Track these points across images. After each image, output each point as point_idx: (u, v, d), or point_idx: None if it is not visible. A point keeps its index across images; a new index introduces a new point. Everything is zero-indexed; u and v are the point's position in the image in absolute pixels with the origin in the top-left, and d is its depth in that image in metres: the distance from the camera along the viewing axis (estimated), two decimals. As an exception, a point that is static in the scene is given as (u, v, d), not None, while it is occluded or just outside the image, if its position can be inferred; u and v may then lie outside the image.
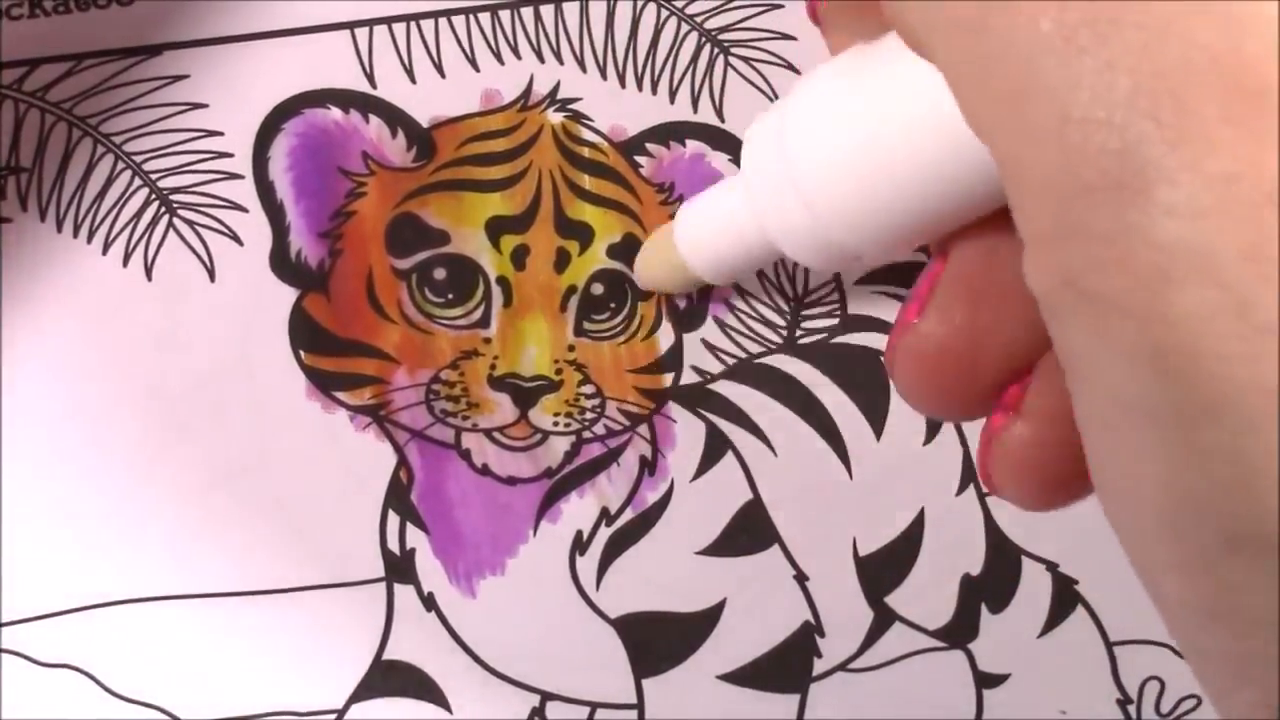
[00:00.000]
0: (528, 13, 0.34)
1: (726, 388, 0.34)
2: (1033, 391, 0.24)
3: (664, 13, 0.35)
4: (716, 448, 0.34)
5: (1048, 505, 0.25)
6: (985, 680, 0.33)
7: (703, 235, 0.30)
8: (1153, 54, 0.17)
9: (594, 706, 0.33)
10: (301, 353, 0.33)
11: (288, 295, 0.33)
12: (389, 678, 0.33)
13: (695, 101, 0.35)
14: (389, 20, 0.34)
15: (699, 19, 0.35)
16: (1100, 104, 0.17)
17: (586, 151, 0.34)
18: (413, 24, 0.34)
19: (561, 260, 0.33)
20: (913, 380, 0.25)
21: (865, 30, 0.25)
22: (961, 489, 0.33)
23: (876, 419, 0.34)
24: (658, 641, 0.33)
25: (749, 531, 0.33)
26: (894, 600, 0.33)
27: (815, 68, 0.26)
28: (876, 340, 0.34)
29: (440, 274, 0.33)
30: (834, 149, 0.25)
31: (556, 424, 0.33)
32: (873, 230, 0.25)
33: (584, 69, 0.34)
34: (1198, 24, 0.16)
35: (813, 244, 0.26)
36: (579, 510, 0.33)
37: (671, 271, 0.32)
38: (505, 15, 0.34)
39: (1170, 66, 0.16)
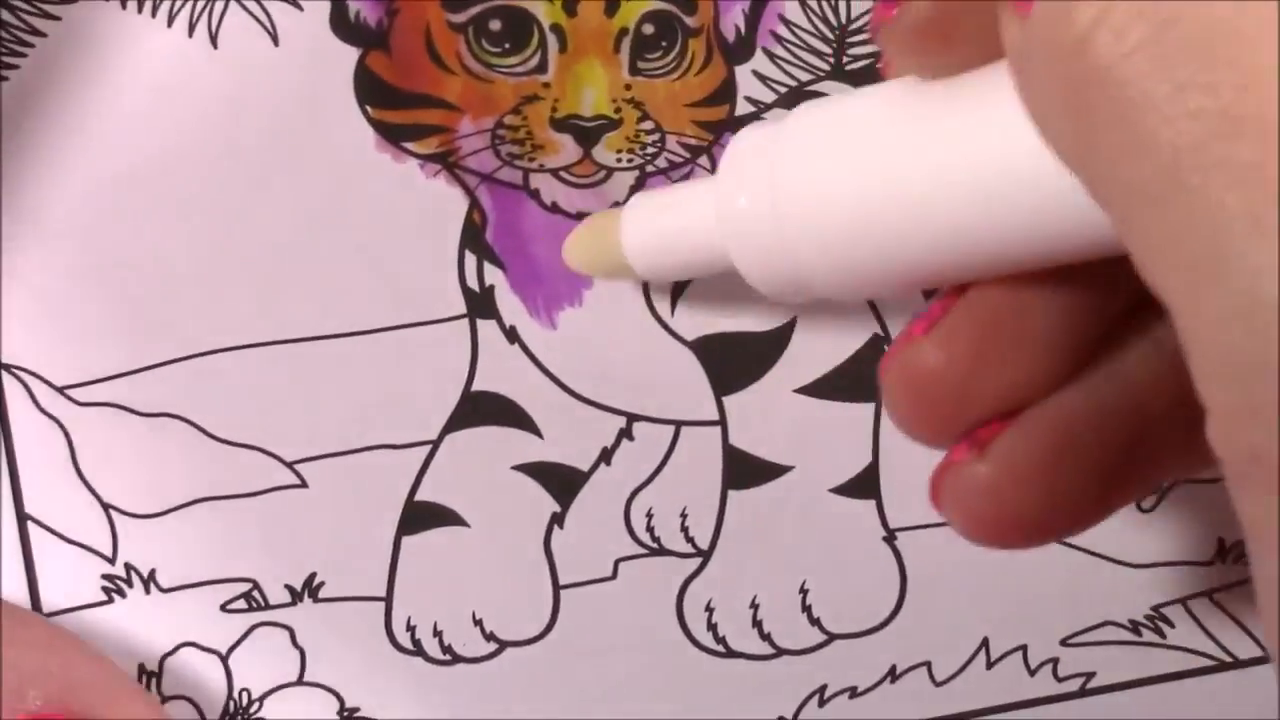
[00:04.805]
0: None
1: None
2: (1005, 438, 0.24)
3: None
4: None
5: (981, 543, 0.25)
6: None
7: (654, 239, 0.30)
8: None
9: (679, 425, 0.34)
10: (368, 108, 0.34)
11: (350, 54, 0.34)
12: (479, 408, 0.34)
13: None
14: None
15: None
16: None
17: None
18: None
19: (611, 5, 0.34)
20: (899, 395, 0.25)
21: (933, 67, 0.23)
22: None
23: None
24: (734, 360, 0.34)
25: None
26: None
27: (839, 95, 0.26)
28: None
29: (496, 25, 0.34)
30: (846, 191, 0.24)
31: (620, 160, 0.34)
32: (860, 282, 0.25)
33: None
34: None
35: (780, 284, 0.27)
36: (649, 241, 0.34)
37: (607, 264, 0.32)
38: None
39: None
